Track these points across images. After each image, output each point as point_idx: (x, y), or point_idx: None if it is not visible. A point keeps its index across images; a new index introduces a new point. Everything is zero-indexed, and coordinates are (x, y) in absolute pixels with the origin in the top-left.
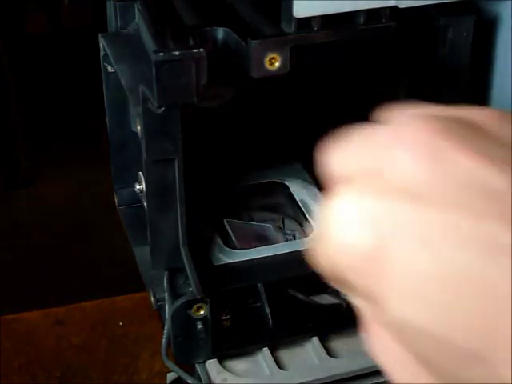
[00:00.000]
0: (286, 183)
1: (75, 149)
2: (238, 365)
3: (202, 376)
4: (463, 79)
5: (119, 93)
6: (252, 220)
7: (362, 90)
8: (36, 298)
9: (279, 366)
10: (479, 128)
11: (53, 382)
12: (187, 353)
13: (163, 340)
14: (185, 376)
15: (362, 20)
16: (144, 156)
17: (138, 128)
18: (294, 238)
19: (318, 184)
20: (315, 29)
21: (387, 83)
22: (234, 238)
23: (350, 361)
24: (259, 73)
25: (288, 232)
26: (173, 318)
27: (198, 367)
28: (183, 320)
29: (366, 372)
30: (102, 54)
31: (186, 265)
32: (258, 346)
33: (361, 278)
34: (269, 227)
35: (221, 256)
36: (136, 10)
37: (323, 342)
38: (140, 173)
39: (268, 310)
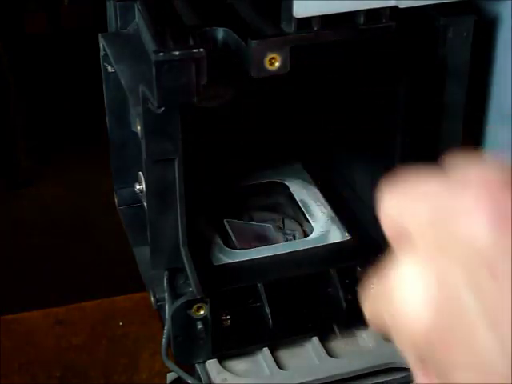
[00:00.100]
0: (286, 183)
1: (75, 149)
2: (238, 365)
3: (202, 376)
4: (463, 79)
5: (119, 93)
6: (252, 220)
7: (361, 89)
8: (36, 298)
9: (279, 366)
10: None
11: (53, 382)
12: (187, 353)
13: (163, 340)
14: (185, 376)
15: (362, 20)
16: (144, 156)
17: (138, 128)
18: (294, 237)
19: (318, 184)
20: (315, 29)
21: (387, 83)
22: (233, 238)
23: (350, 361)
24: (259, 73)
25: (288, 232)
26: (173, 318)
27: (197, 367)
28: (183, 320)
29: (365, 372)
30: (102, 53)
31: (186, 265)
32: (258, 346)
33: (419, 347)
34: (269, 227)
35: (221, 256)
36: (136, 10)
37: (323, 342)
38: (140, 173)
39: (268, 310)
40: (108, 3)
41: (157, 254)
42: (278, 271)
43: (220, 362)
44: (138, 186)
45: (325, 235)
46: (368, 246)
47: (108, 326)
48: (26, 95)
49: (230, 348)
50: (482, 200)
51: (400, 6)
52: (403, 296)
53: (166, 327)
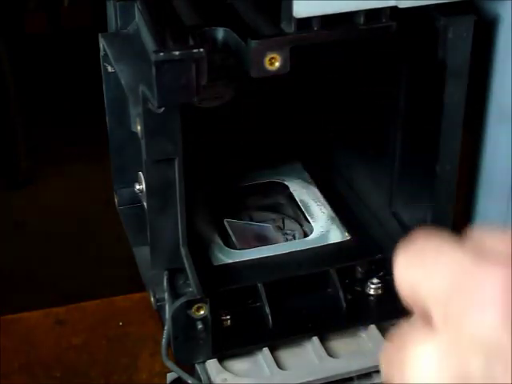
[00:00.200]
0: (286, 183)
1: (75, 149)
2: (238, 365)
3: (201, 376)
4: (463, 79)
5: (119, 93)
6: (252, 220)
7: (362, 89)
8: (36, 298)
9: (279, 366)
10: None
11: (53, 382)
12: (187, 353)
13: (163, 340)
14: (185, 376)
15: (362, 20)
16: (144, 156)
17: (138, 128)
18: (294, 237)
19: (318, 184)
20: (315, 29)
21: (387, 83)
22: (233, 238)
23: (350, 361)
24: (259, 73)
25: (288, 232)
26: (173, 318)
27: (197, 367)
28: (183, 320)
29: (365, 372)
30: (101, 54)
31: (186, 265)
32: (258, 346)
33: None
34: (269, 227)
35: (221, 256)
36: (136, 9)
37: (323, 341)
38: (140, 173)
39: (268, 310)
40: (108, 3)
41: (157, 254)
42: (278, 271)
43: (220, 361)
44: (137, 186)
45: (325, 235)
46: (368, 246)
47: (108, 326)
48: (26, 95)
49: (229, 348)
50: (499, 287)
51: (400, 6)
52: (415, 375)
53: (165, 327)
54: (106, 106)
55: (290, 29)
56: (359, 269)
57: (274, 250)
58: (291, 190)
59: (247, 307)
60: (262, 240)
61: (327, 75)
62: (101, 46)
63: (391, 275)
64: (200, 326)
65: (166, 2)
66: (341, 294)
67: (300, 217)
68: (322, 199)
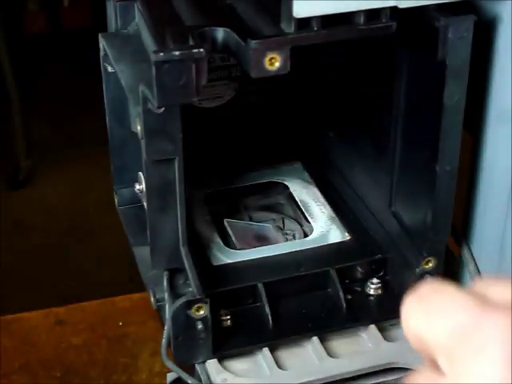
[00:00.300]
0: (286, 183)
1: (75, 149)
2: (238, 365)
3: (201, 376)
4: (463, 79)
5: (119, 93)
6: (252, 220)
7: (361, 89)
8: (36, 298)
9: (279, 366)
10: None
11: (53, 382)
12: (187, 353)
13: (163, 340)
14: (185, 376)
15: (362, 20)
16: (144, 156)
17: (138, 128)
18: (294, 237)
19: (318, 184)
20: (315, 29)
21: (387, 83)
22: (233, 238)
23: (350, 361)
24: (259, 73)
25: (288, 232)
26: (173, 318)
27: (197, 367)
28: (183, 320)
29: (365, 372)
30: (101, 54)
31: (186, 265)
32: (258, 346)
33: None
34: (269, 227)
35: (221, 256)
36: (136, 9)
37: (323, 342)
38: (140, 173)
39: (268, 310)
40: (108, 3)
41: (157, 254)
42: (277, 271)
43: (220, 361)
44: (137, 186)
45: (325, 235)
46: (368, 246)
47: (108, 326)
48: (26, 95)
49: (229, 348)
50: (499, 337)
51: (400, 6)
52: None
53: (166, 327)
54: (105, 105)
55: (290, 29)
56: (359, 269)
57: (274, 250)
58: (291, 190)
59: (247, 307)
60: (262, 240)
61: (327, 75)
62: (101, 46)
63: (391, 275)
64: (200, 326)
65: (166, 2)
66: (341, 294)
67: (300, 217)
68: (322, 199)
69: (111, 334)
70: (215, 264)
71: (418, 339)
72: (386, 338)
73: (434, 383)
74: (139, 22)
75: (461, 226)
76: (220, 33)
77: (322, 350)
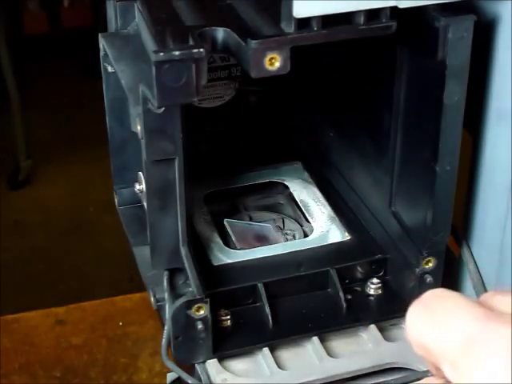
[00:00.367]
0: (286, 183)
1: (75, 149)
2: (238, 365)
3: (201, 376)
4: (463, 79)
5: (119, 93)
6: (252, 220)
7: (361, 89)
8: (36, 297)
9: (279, 366)
10: None
11: (53, 382)
12: (187, 353)
13: (163, 340)
14: (185, 376)
15: (362, 20)
16: (144, 156)
17: (138, 128)
18: (294, 237)
19: (318, 184)
20: (315, 29)
21: (387, 83)
22: (233, 238)
23: (350, 361)
24: (259, 73)
25: (288, 232)
26: (173, 318)
27: (197, 367)
28: (183, 320)
29: (365, 372)
30: (101, 54)
31: (186, 265)
32: (258, 346)
33: None
34: (269, 227)
35: (221, 256)
36: (136, 9)
37: (323, 342)
38: (140, 173)
39: (268, 310)
40: (108, 3)
41: (157, 254)
42: (277, 271)
43: (220, 361)
44: (138, 186)
45: (325, 235)
46: (368, 245)
47: (108, 326)
48: (26, 95)
49: (230, 348)
50: (504, 345)
51: (400, 6)
52: None
53: (166, 327)
54: (105, 105)
55: (290, 29)
56: (359, 269)
57: (274, 249)
58: (291, 190)
59: (247, 307)
60: (262, 240)
61: (327, 75)
62: (101, 46)
63: (391, 275)
64: (200, 326)
65: (166, 2)
66: (341, 293)
67: (300, 217)
68: (322, 199)
69: (111, 333)
70: (215, 264)
71: (423, 347)
72: (386, 338)
73: None
74: (139, 21)
75: (461, 226)
76: (220, 33)
77: (322, 349)
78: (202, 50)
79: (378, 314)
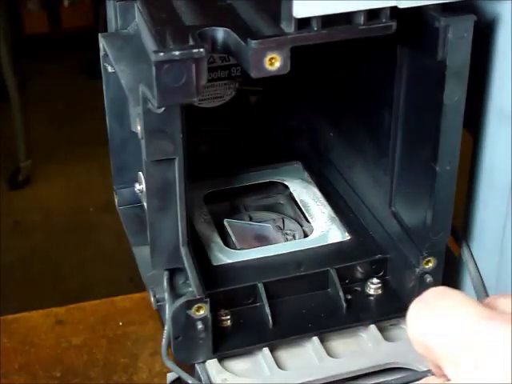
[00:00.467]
0: (286, 183)
1: (75, 149)
2: (238, 365)
3: (202, 376)
4: (463, 79)
5: (119, 93)
6: (252, 220)
7: (361, 89)
8: (36, 298)
9: (279, 366)
10: None
11: (53, 382)
12: (187, 353)
13: (163, 340)
14: (185, 376)
15: (362, 20)
16: (144, 156)
17: (138, 128)
18: (294, 237)
19: (318, 184)
20: (315, 29)
21: (387, 83)
22: (233, 238)
23: (350, 361)
24: (259, 73)
25: (288, 232)
26: (173, 318)
27: (197, 367)
28: (183, 320)
29: (365, 372)
30: (101, 54)
31: (186, 265)
32: (258, 346)
33: None
34: (269, 227)
35: (221, 256)
36: (136, 9)
37: (323, 342)
38: (140, 173)
39: (268, 310)
40: (108, 3)
41: (157, 254)
42: (277, 271)
43: (220, 361)
44: (138, 186)
45: (325, 235)
46: (368, 246)
47: (108, 326)
48: (26, 95)
49: (230, 348)
50: (505, 345)
51: (400, 6)
52: None
53: (166, 327)
54: (105, 105)
55: (290, 29)
56: (359, 269)
57: (274, 249)
58: (291, 190)
59: (247, 307)
60: (262, 240)
61: (327, 75)
62: (101, 46)
63: (391, 275)
64: (200, 326)
65: (166, 2)
66: (341, 293)
67: (300, 217)
68: (322, 199)
69: (111, 334)
70: (215, 264)
71: (423, 345)
72: (386, 338)
73: None
74: (139, 22)
75: (461, 225)
76: (220, 33)
77: (322, 349)
78: (202, 49)
79: (377, 314)
